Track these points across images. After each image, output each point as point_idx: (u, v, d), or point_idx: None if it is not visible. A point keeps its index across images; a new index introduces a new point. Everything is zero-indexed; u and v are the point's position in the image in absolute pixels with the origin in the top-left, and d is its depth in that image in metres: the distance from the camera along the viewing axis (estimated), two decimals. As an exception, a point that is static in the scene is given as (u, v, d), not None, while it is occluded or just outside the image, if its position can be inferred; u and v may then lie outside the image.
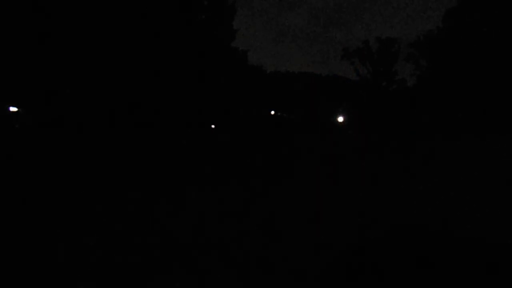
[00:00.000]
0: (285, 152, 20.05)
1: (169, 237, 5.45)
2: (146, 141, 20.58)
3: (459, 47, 32.94)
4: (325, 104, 55.52)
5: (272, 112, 64.43)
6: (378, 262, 4.79)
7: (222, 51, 31.16)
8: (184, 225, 6.09)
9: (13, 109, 20.87)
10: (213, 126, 35.41)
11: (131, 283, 3.91)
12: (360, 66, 50.69)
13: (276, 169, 13.46)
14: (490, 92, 29.13)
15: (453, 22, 34.31)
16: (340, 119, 55.33)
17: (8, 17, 18.64)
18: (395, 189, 9.99)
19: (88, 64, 20.68)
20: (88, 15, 20.66)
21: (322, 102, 56.23)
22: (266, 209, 7.35)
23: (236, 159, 16.49)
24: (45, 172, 10.61)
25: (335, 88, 61.13)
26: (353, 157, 19.10)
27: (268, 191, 9.30)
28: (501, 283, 4.29)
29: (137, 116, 23.07)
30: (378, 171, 13.64)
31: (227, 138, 27.94)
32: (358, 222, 6.56)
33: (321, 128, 48.30)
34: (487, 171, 12.93)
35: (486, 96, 29.24)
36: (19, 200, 7.48)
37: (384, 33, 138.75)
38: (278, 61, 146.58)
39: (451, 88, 32.53)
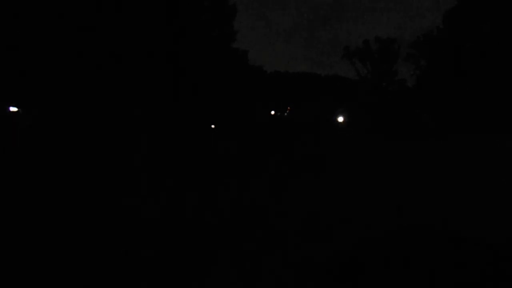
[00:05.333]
0: (285, 152, 20.03)
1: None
2: (146, 140, 20.57)
3: (459, 47, 32.90)
4: (325, 104, 55.53)
5: (272, 112, 64.43)
6: (378, 261, 4.79)
7: (223, 51, 31.14)
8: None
9: (13, 109, 20.85)
10: (212, 126, 35.36)
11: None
12: (360, 66, 50.72)
13: (275, 169, 13.44)
14: (490, 92, 29.10)
15: (453, 22, 34.28)
16: (340, 119, 55.27)
17: (8, 17, 18.63)
18: (395, 188, 9.98)
19: (88, 64, 20.67)
20: (88, 15, 20.66)
21: (322, 102, 56.25)
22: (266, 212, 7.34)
23: (236, 159, 16.48)
24: (46, 172, 10.60)
25: (335, 88, 61.14)
26: (353, 156, 19.08)
27: (262, 196, 9.29)
28: (501, 283, 4.29)
29: (137, 116, 23.04)
30: (378, 171, 13.63)
31: (226, 137, 27.94)
32: (359, 222, 6.56)
33: (321, 128, 48.25)
34: (488, 171, 12.92)
35: (486, 96, 29.20)
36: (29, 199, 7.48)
37: (383, 33, 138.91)
38: (276, 61, 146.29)
39: (451, 88, 32.50)
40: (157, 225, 6.22)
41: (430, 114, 35.43)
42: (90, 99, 21.09)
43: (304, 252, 5.09)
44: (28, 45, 19.06)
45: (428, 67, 38.54)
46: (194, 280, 4.29)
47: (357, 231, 6.06)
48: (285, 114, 66.26)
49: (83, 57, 20.56)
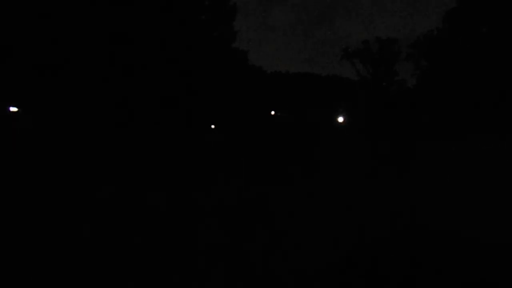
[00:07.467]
0: (284, 152, 20.03)
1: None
2: (147, 141, 20.57)
3: (459, 47, 32.88)
4: (325, 105, 55.50)
5: (273, 112, 64.40)
6: (379, 261, 4.78)
7: (223, 51, 31.10)
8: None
9: (13, 109, 20.84)
10: (213, 126, 35.37)
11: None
12: (360, 67, 50.66)
13: (274, 171, 13.44)
14: (490, 92, 29.09)
15: (453, 22, 34.26)
16: (340, 119, 55.26)
17: (9, 17, 18.63)
18: (396, 189, 9.97)
19: (88, 64, 20.64)
20: (88, 15, 20.64)
21: (322, 103, 56.23)
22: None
23: (235, 159, 16.48)
24: (47, 172, 10.60)
25: (335, 88, 61.11)
26: (353, 157, 19.09)
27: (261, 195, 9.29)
28: (501, 283, 4.28)
29: (138, 116, 23.03)
30: (378, 171, 13.62)
31: (226, 138, 27.96)
32: (360, 222, 6.55)
33: (321, 128, 48.24)
34: (488, 171, 12.92)
35: (486, 96, 29.19)
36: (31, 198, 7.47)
37: (383, 33, 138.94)
38: (276, 61, 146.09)
39: (451, 88, 32.47)
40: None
41: (430, 114, 35.41)
42: (91, 99, 21.07)
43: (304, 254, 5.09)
44: (28, 45, 19.05)
45: (428, 67, 38.51)
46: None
47: (358, 230, 6.05)
48: (285, 114, 66.17)
49: (82, 58, 20.54)
